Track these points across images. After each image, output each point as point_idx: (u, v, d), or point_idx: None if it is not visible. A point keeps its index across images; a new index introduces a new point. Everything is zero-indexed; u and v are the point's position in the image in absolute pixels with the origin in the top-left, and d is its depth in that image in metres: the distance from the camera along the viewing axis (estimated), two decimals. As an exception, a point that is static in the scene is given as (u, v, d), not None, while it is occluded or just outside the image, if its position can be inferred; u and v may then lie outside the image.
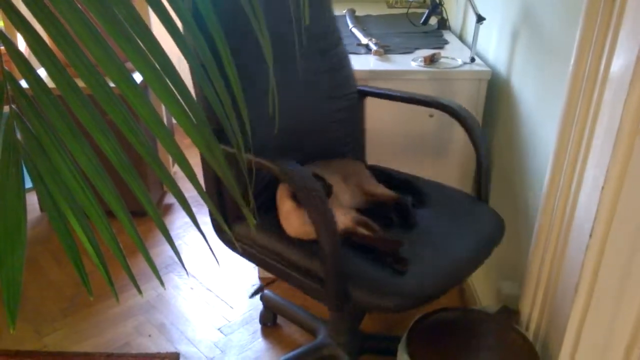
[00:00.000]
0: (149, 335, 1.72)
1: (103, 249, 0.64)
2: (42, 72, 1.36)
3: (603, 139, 1.00)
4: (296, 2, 1.37)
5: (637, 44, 0.90)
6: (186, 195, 0.66)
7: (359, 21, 2.26)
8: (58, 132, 0.60)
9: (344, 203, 1.35)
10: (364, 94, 1.61)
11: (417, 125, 1.77)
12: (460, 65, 1.74)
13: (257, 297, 1.86)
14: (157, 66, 0.60)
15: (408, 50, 1.89)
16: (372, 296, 1.13)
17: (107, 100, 0.59)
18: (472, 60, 1.76)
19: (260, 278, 1.97)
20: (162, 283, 0.69)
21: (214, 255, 2.01)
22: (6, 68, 0.59)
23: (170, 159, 2.45)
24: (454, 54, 1.83)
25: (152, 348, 1.67)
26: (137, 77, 1.85)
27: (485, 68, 1.72)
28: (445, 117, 1.51)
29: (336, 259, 1.13)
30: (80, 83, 0.59)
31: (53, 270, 2.01)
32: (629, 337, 1.03)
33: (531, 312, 1.28)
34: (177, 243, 2.17)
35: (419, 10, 2.37)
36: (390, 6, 2.65)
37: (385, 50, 1.86)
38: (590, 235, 1.02)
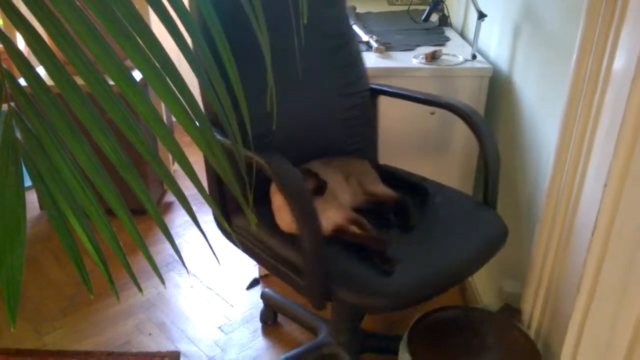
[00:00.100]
0: (150, 334, 1.72)
1: (103, 248, 0.64)
2: (40, 70, 1.35)
3: (605, 136, 1.00)
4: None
5: (639, 41, 0.89)
6: (186, 193, 0.65)
7: (359, 18, 2.25)
8: (57, 131, 0.60)
9: (342, 201, 1.35)
10: (376, 92, 1.59)
11: (418, 122, 1.76)
12: (462, 63, 1.73)
13: (259, 298, 1.86)
14: (157, 64, 0.60)
15: (409, 48, 1.88)
16: (354, 295, 1.12)
17: (107, 98, 0.58)
18: (474, 57, 1.75)
19: (261, 276, 1.97)
20: (162, 281, 0.69)
21: (215, 255, 2.01)
22: (5, 66, 0.59)
23: (170, 157, 2.44)
24: (455, 51, 1.82)
25: (153, 347, 1.67)
26: (137, 75, 1.84)
27: (486, 65, 1.72)
28: (447, 114, 1.50)
29: (317, 257, 1.12)
30: (79, 81, 0.59)
31: (53, 269, 2.01)
32: (631, 335, 1.02)
33: (533, 310, 1.28)
34: (177, 241, 2.17)
35: (420, 7, 2.36)
36: (391, 3, 2.64)
37: (386, 48, 1.85)
38: (593, 233, 1.02)
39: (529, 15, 1.49)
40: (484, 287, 1.75)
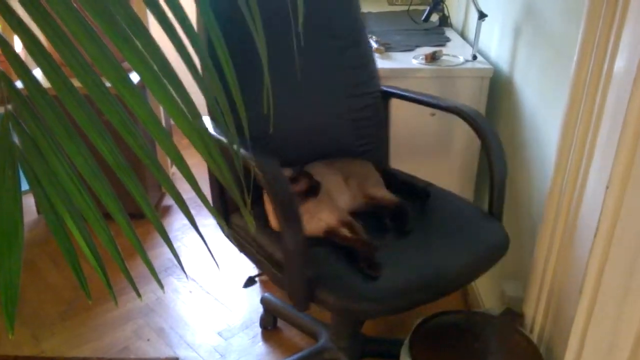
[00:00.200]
0: (148, 340, 1.70)
1: (101, 252, 0.63)
2: (37, 73, 1.35)
3: (607, 138, 0.99)
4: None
5: (642, 41, 0.89)
6: (185, 196, 0.64)
7: (358, 21, 2.25)
8: (54, 134, 0.59)
9: (339, 203, 1.34)
10: (388, 94, 1.57)
11: (418, 123, 1.75)
12: (462, 63, 1.72)
13: (258, 302, 1.85)
14: (154, 66, 0.59)
15: (409, 48, 1.88)
16: (336, 297, 1.12)
17: (104, 100, 0.58)
18: (474, 57, 1.75)
19: (257, 275, 1.96)
20: (161, 286, 0.68)
21: (214, 259, 1.99)
22: (1, 69, 0.58)
23: (169, 160, 2.44)
24: (455, 52, 1.82)
25: (151, 352, 1.65)
26: (135, 78, 1.84)
27: (487, 66, 1.71)
28: (447, 115, 1.49)
29: (299, 258, 1.11)
30: (76, 83, 0.58)
31: (51, 273, 1.99)
32: (634, 339, 1.01)
33: (535, 314, 1.27)
34: (176, 245, 2.16)
35: (420, 7, 2.36)
36: (391, 3, 2.65)
37: (386, 48, 1.85)
38: (595, 236, 1.01)
39: (529, 15, 1.48)
40: (486, 290, 1.74)
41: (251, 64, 1.28)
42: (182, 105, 0.61)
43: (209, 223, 2.09)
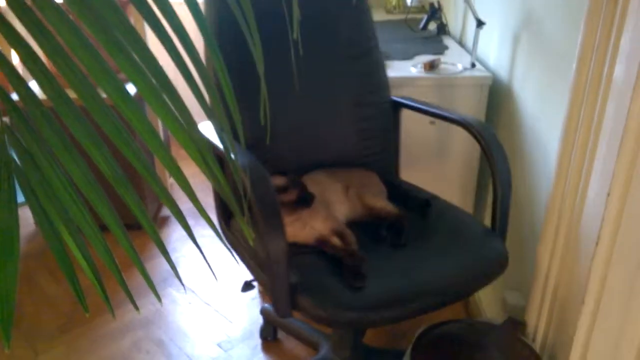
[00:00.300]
0: (147, 352, 1.69)
1: (99, 264, 0.62)
2: (32, 85, 1.34)
3: (607, 145, 0.99)
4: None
5: (641, 48, 0.89)
6: (184, 206, 0.64)
7: (356, 30, 2.25)
8: (50, 145, 0.58)
9: (336, 212, 1.33)
10: (399, 105, 1.56)
11: (418, 132, 1.75)
12: (461, 71, 1.72)
13: (258, 313, 1.83)
14: (150, 76, 0.59)
15: (407, 57, 1.88)
16: (317, 305, 1.11)
17: (100, 112, 0.57)
18: (473, 65, 1.75)
19: (260, 292, 1.95)
20: (159, 299, 0.67)
21: (212, 270, 1.98)
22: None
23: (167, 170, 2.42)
24: (453, 60, 1.82)
25: (151, 364, 1.64)
26: (132, 90, 1.84)
27: (486, 73, 1.71)
28: (447, 124, 1.49)
29: (280, 265, 1.10)
30: (72, 94, 0.58)
31: (49, 285, 1.98)
32: (638, 348, 1.00)
33: (538, 323, 1.26)
34: (174, 256, 2.14)
35: (418, 16, 2.37)
36: (388, 12, 2.66)
37: (384, 57, 1.85)
38: (597, 244, 1.00)
39: (528, 22, 1.49)
40: (487, 299, 1.73)
41: (254, 72, 1.28)
42: (178, 116, 0.60)
43: (207, 233, 2.08)
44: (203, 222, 2.24)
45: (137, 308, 0.66)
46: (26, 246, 2.19)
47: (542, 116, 1.38)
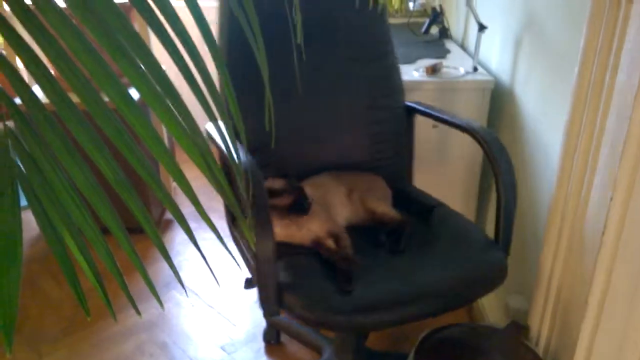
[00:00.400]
0: (151, 355, 1.69)
1: (101, 267, 0.62)
2: (35, 89, 1.35)
3: (610, 148, 0.98)
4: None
5: (643, 51, 0.89)
6: (187, 210, 0.64)
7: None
8: (53, 150, 0.58)
9: (337, 215, 1.34)
10: (412, 110, 1.54)
11: (420, 135, 1.75)
12: (463, 75, 1.72)
13: (261, 316, 1.83)
14: (153, 80, 0.59)
15: (409, 60, 1.88)
16: (302, 306, 1.12)
17: (102, 116, 0.57)
18: (475, 69, 1.75)
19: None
20: (161, 305, 0.67)
21: (214, 275, 1.98)
22: (0, 85, 0.58)
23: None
24: (456, 63, 1.82)
25: (154, 367, 1.64)
26: (136, 95, 1.85)
27: (488, 77, 1.71)
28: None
29: (267, 264, 1.11)
30: (74, 98, 0.58)
31: (52, 289, 1.99)
32: (643, 352, 1.00)
33: (541, 326, 1.25)
34: (178, 259, 2.15)
35: (420, 20, 2.37)
36: (391, 16, 2.66)
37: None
38: (600, 246, 1.00)
39: (530, 26, 1.49)
40: (490, 303, 1.72)
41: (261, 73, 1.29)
42: (181, 121, 0.60)
43: (210, 236, 2.08)
44: (206, 224, 2.24)
45: (139, 313, 0.66)
46: (29, 250, 2.20)
47: (544, 119, 1.38)
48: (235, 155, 0.71)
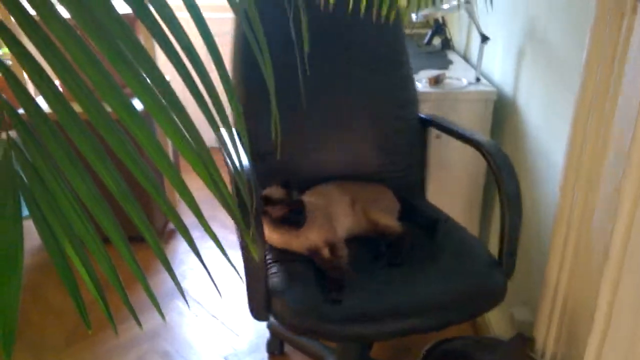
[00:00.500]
0: (153, 365, 1.68)
1: (103, 278, 0.62)
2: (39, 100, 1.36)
3: (615, 158, 0.98)
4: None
5: (648, 62, 0.88)
6: (191, 219, 0.64)
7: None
8: (56, 160, 0.58)
9: (338, 225, 1.33)
10: (427, 123, 1.52)
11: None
12: (466, 86, 1.72)
13: (265, 327, 1.82)
14: (156, 91, 0.59)
15: (412, 71, 1.88)
16: (289, 312, 1.12)
17: (105, 126, 0.57)
18: (478, 80, 1.75)
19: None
20: (163, 317, 0.67)
21: (216, 287, 1.98)
22: (4, 96, 0.58)
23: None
24: (458, 74, 1.82)
25: (156, 378, 1.63)
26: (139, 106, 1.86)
27: (491, 88, 1.71)
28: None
29: (256, 271, 1.12)
30: (77, 108, 0.58)
31: (56, 297, 1.98)
32: (650, 365, 0.98)
33: (546, 339, 1.24)
34: (181, 269, 2.14)
35: (423, 31, 2.37)
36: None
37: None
38: (606, 258, 0.99)
39: (532, 37, 1.49)
40: (495, 314, 1.71)
41: (278, 84, 1.29)
42: (185, 133, 0.60)
43: (214, 245, 2.08)
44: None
45: (140, 325, 0.65)
46: (33, 258, 2.20)
47: (547, 128, 1.37)
48: (238, 164, 0.71)
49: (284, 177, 1.44)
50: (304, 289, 1.17)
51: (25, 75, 0.56)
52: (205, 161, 0.62)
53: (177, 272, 2.10)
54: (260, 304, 1.14)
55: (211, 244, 0.65)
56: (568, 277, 1.16)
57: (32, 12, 0.56)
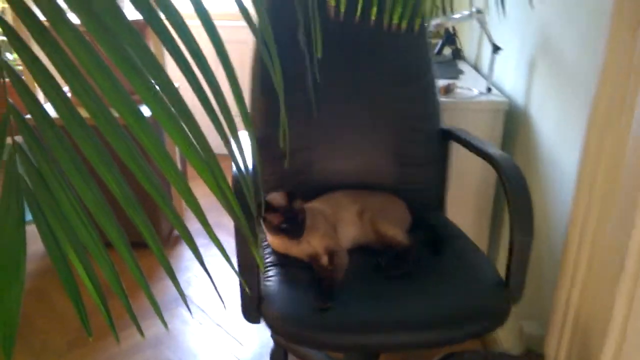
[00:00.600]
0: (156, 373, 1.66)
1: (106, 285, 0.61)
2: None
3: (631, 170, 0.96)
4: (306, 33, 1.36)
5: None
6: (196, 225, 0.63)
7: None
8: (61, 165, 0.58)
9: (343, 233, 1.33)
10: (449, 136, 1.47)
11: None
12: (477, 96, 1.71)
13: (269, 336, 1.80)
14: (165, 98, 0.58)
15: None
16: (276, 316, 1.12)
17: (111, 132, 0.57)
18: (489, 90, 1.73)
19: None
20: (165, 325, 0.66)
21: (220, 296, 1.96)
22: (10, 100, 0.58)
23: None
24: (469, 84, 1.81)
25: (159, 386, 1.61)
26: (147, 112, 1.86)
27: (502, 98, 1.69)
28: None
29: (248, 272, 1.14)
30: (84, 113, 0.58)
31: (60, 302, 1.98)
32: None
33: (557, 355, 1.21)
34: (186, 276, 2.13)
35: (433, 41, 2.37)
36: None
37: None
38: (621, 272, 0.97)
39: (545, 47, 1.47)
40: (503, 328, 1.68)
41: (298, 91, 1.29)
42: (192, 139, 0.60)
43: (219, 253, 2.07)
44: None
45: (142, 333, 0.64)
46: (40, 262, 2.20)
47: (561, 141, 1.35)
48: (243, 169, 0.70)
49: (297, 183, 1.45)
50: (297, 294, 1.17)
51: (32, 80, 0.56)
52: (212, 168, 0.61)
53: (182, 279, 2.09)
54: (251, 305, 1.15)
55: (217, 251, 0.64)
56: (581, 290, 1.13)
57: (42, 17, 0.56)
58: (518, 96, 1.66)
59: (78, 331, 1.83)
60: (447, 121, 1.69)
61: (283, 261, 1.27)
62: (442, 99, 1.70)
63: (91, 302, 0.61)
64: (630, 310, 0.97)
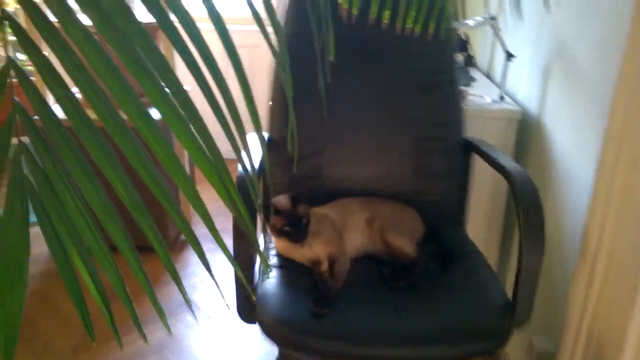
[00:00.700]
0: (159, 378, 1.65)
1: (110, 288, 0.60)
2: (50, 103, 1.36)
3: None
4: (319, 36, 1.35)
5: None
6: (203, 230, 0.61)
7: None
8: (67, 166, 0.57)
9: (351, 240, 1.32)
10: (471, 147, 1.41)
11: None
12: (489, 104, 1.69)
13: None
14: (174, 100, 0.57)
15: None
16: (269, 318, 1.11)
17: (120, 134, 0.56)
18: (501, 98, 1.71)
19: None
20: (168, 330, 0.64)
21: (225, 302, 1.95)
22: (17, 99, 0.57)
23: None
24: (481, 92, 1.79)
25: (162, 392, 1.60)
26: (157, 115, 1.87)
27: (515, 107, 1.67)
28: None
29: (244, 273, 1.14)
30: (92, 115, 0.57)
31: (64, 304, 1.97)
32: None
33: (569, 371, 1.18)
34: (193, 280, 2.12)
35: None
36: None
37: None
38: (638, 288, 0.94)
39: (560, 55, 1.45)
40: (513, 343, 1.64)
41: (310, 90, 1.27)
42: (201, 143, 0.59)
43: (225, 258, 2.06)
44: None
45: (145, 339, 0.63)
46: (45, 265, 2.20)
47: (575, 151, 1.33)
48: (250, 171, 0.69)
49: (309, 187, 1.44)
50: (292, 298, 1.16)
51: (41, 81, 0.55)
52: (220, 173, 0.60)
53: (188, 284, 2.08)
54: (245, 305, 1.15)
55: (223, 256, 0.63)
56: (595, 304, 1.11)
57: (52, 18, 0.55)
58: (531, 104, 1.64)
59: (82, 335, 1.82)
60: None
61: (286, 264, 1.27)
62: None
63: (95, 305, 0.60)
64: (647, 326, 0.94)
